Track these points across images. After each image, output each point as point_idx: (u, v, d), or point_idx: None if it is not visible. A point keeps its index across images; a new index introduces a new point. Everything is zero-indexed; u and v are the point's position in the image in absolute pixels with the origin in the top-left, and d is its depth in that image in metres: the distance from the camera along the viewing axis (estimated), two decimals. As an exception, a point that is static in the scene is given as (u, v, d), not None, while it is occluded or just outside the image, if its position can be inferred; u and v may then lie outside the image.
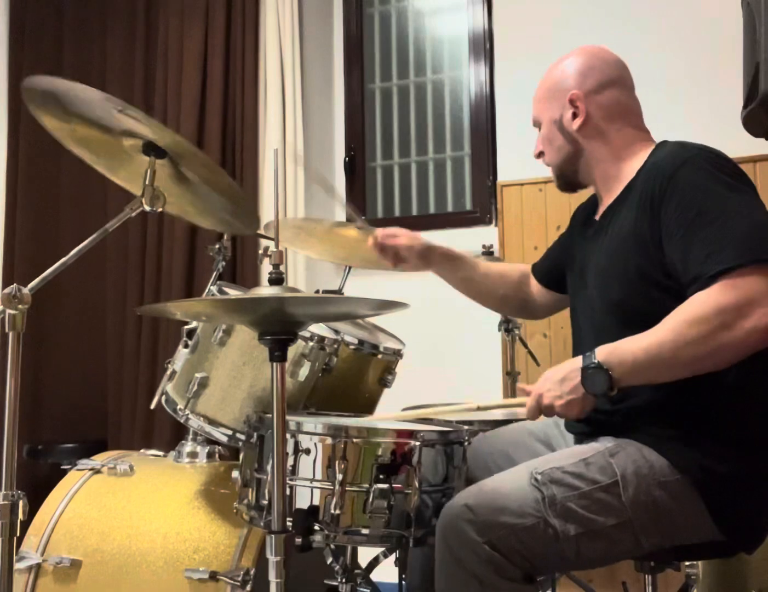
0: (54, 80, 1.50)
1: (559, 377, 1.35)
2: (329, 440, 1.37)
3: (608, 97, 1.52)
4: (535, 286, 1.84)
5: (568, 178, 1.60)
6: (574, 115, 1.52)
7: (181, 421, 1.79)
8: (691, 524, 1.33)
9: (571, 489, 1.31)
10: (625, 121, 1.52)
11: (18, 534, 1.41)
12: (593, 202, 1.66)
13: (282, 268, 1.29)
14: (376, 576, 2.08)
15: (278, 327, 1.27)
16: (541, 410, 1.37)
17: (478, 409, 1.52)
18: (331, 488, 1.35)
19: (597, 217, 1.58)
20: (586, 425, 1.47)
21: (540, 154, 1.62)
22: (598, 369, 1.30)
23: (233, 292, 1.87)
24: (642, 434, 1.36)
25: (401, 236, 1.78)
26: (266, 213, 3.14)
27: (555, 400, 1.35)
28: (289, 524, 1.27)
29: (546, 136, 1.58)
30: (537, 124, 1.61)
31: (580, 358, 1.34)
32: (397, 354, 1.90)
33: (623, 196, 1.48)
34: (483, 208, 3.29)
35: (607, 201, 1.54)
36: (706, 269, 1.27)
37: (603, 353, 1.32)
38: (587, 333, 1.53)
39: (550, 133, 1.56)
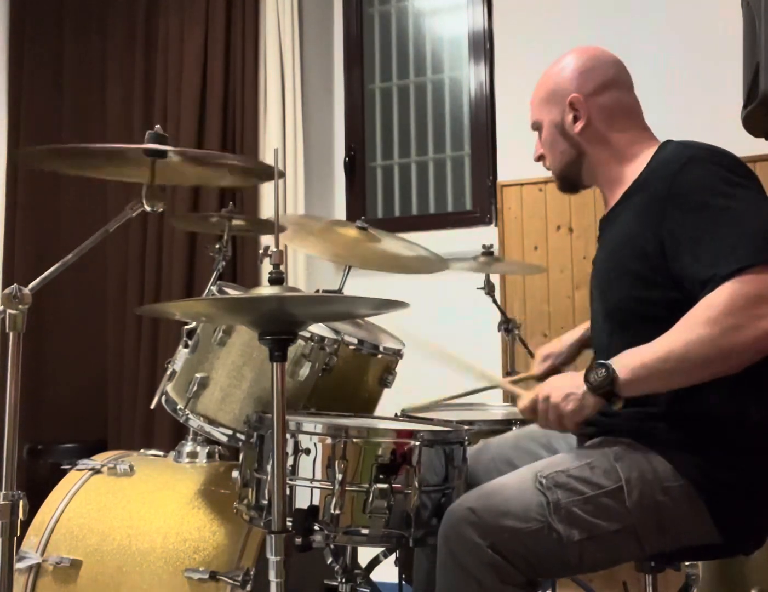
0: (50, 149, 1.52)
1: (564, 378, 1.36)
2: (329, 440, 1.37)
3: (608, 98, 1.50)
4: None
5: (570, 181, 1.58)
6: (575, 119, 1.49)
7: (181, 421, 1.79)
8: (693, 529, 1.33)
9: (576, 494, 1.29)
10: (626, 121, 1.51)
11: (18, 534, 1.41)
12: None
13: (282, 268, 1.29)
14: (376, 576, 2.08)
15: (278, 327, 1.27)
16: (538, 406, 1.34)
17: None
18: (331, 488, 1.35)
19: (601, 220, 1.58)
20: (590, 428, 1.45)
21: (540, 158, 1.60)
22: (601, 366, 1.28)
23: (233, 293, 1.87)
24: (647, 438, 1.35)
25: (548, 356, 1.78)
26: (266, 213, 3.14)
27: (553, 391, 1.32)
28: (289, 524, 1.26)
29: (547, 140, 1.55)
30: (537, 127, 1.58)
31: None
32: (397, 354, 1.89)
33: (625, 198, 1.47)
34: (483, 208, 3.29)
35: (610, 203, 1.53)
36: (718, 270, 1.24)
37: (611, 358, 1.30)
38: (594, 336, 1.54)
39: (552, 136, 1.54)
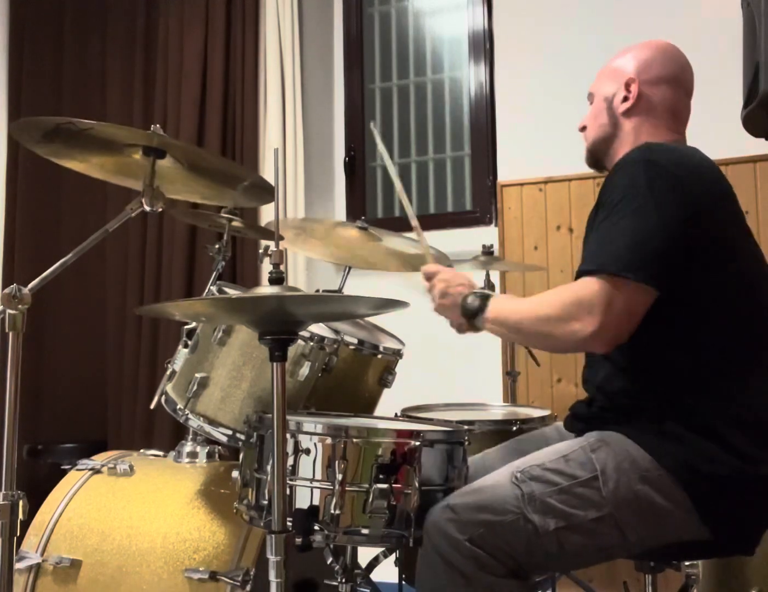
0: (48, 119, 1.51)
1: (458, 278, 1.53)
2: (329, 440, 1.37)
3: (660, 93, 1.55)
4: None
5: (597, 157, 1.63)
6: (625, 99, 1.56)
7: (181, 421, 1.79)
8: (678, 520, 1.33)
9: (550, 485, 1.33)
10: (664, 120, 1.56)
11: (18, 534, 1.41)
12: None
13: (282, 267, 1.29)
14: (376, 576, 2.08)
15: (278, 327, 1.27)
16: (430, 280, 1.57)
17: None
18: (331, 488, 1.35)
19: None
20: (582, 422, 1.48)
21: (583, 128, 1.65)
22: (481, 296, 1.45)
23: (233, 293, 1.86)
24: (629, 429, 1.37)
25: None
26: (266, 213, 3.14)
27: (442, 281, 1.53)
28: (289, 524, 1.27)
29: (594, 111, 1.62)
30: (590, 97, 1.64)
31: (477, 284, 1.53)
32: (397, 354, 1.90)
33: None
34: (483, 208, 3.29)
35: None
36: (581, 267, 1.36)
37: (495, 296, 1.46)
38: None
39: (599, 108, 1.60)
